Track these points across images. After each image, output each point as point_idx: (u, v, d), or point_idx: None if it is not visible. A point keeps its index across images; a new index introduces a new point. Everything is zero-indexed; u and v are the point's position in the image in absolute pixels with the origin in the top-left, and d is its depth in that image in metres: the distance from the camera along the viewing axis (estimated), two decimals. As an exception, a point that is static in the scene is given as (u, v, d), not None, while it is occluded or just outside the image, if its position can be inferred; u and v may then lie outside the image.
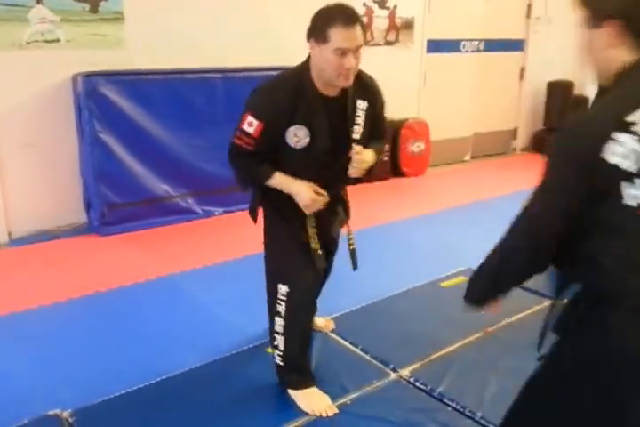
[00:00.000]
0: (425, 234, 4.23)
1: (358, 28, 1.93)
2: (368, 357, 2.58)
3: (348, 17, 1.92)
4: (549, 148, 1.24)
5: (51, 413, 2.19)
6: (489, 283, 1.42)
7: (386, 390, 2.36)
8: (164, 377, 2.43)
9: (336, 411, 2.22)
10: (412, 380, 2.42)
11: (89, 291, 3.30)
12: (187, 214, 4.54)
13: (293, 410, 2.23)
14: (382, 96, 2.25)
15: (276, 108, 2.02)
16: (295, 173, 2.13)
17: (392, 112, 5.72)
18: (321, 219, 2.24)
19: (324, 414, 2.20)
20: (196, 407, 2.25)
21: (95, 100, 3.94)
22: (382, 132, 2.33)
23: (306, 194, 2.09)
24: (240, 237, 4.21)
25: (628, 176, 1.09)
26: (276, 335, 2.28)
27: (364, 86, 2.14)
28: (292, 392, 2.30)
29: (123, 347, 2.75)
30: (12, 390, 2.40)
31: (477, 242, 3.99)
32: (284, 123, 2.04)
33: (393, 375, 2.45)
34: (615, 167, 1.08)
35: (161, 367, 2.52)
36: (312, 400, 2.25)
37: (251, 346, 2.68)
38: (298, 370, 2.31)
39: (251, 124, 2.02)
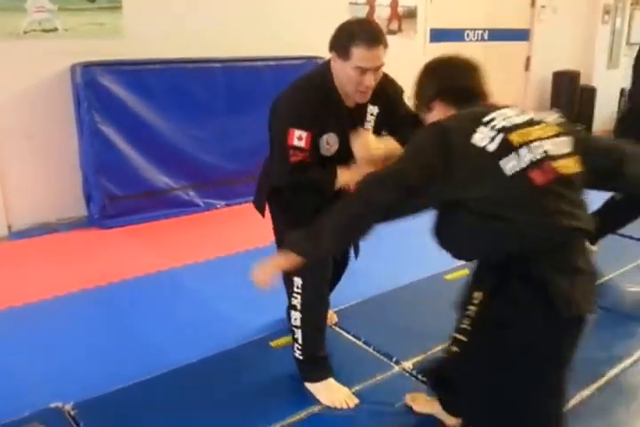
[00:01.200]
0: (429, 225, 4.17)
1: (381, 49, 1.93)
2: (371, 349, 2.55)
3: (372, 37, 1.91)
4: (416, 135, 1.59)
5: (52, 406, 2.16)
6: (341, 230, 1.59)
7: (388, 383, 2.32)
8: (166, 371, 2.39)
9: (357, 401, 2.19)
10: (414, 372, 2.37)
11: (89, 285, 3.26)
12: (188, 207, 4.49)
13: (298, 404, 2.19)
14: (397, 89, 2.21)
15: (315, 116, 1.97)
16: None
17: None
18: None
19: (345, 406, 2.17)
20: (199, 401, 2.22)
21: (94, 90, 3.89)
22: (414, 118, 2.11)
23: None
24: (242, 230, 4.16)
25: (497, 155, 1.46)
26: (294, 329, 2.24)
27: (375, 89, 2.06)
28: (310, 386, 2.26)
29: (124, 341, 2.71)
30: (13, 384, 2.36)
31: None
32: (320, 131, 2.01)
33: (396, 368, 2.41)
34: (483, 149, 1.46)
35: (163, 361, 2.48)
36: (331, 392, 2.22)
37: (253, 339, 2.64)
38: (316, 362, 2.28)
39: (300, 138, 1.96)
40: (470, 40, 6.41)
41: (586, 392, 2.28)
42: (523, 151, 1.47)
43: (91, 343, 2.69)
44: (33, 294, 3.13)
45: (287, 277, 2.21)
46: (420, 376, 2.34)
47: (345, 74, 1.95)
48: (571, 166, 1.51)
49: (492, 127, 1.49)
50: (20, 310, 2.98)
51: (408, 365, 2.42)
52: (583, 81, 7.22)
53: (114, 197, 4.15)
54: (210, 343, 2.63)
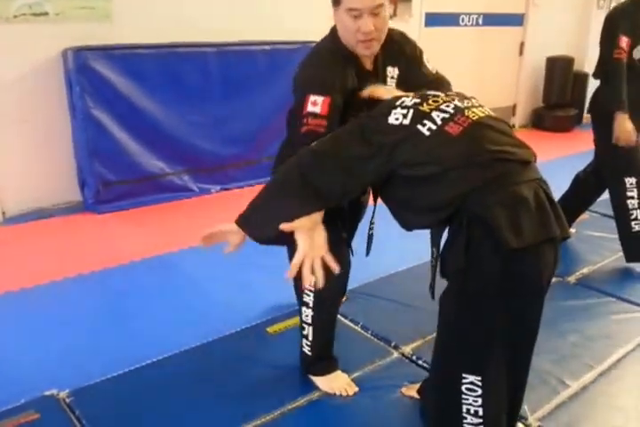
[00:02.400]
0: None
1: None
2: (369, 334, 2.55)
3: None
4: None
5: (47, 393, 2.15)
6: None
7: (388, 369, 2.33)
8: (161, 357, 2.39)
9: (356, 389, 2.19)
10: (414, 358, 2.38)
11: (85, 270, 3.25)
12: (183, 192, 4.47)
13: (296, 390, 2.19)
14: (416, 49, 2.06)
15: (332, 79, 1.82)
16: None
17: None
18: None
19: (344, 394, 2.16)
20: (195, 388, 2.21)
21: (86, 75, 3.84)
22: (435, 76, 2.08)
23: None
24: (237, 214, 4.14)
25: (414, 124, 1.56)
26: (304, 325, 2.18)
27: (393, 49, 1.94)
28: (314, 377, 2.24)
29: (119, 327, 2.71)
30: (8, 371, 2.35)
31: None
32: (343, 94, 1.83)
33: (395, 353, 2.42)
34: (400, 125, 1.56)
35: (159, 347, 2.47)
36: (331, 380, 2.21)
37: (250, 325, 2.64)
38: (325, 358, 2.25)
39: (315, 104, 1.79)
40: (465, 25, 6.37)
41: (588, 377, 2.30)
42: (434, 114, 1.58)
43: (87, 329, 2.68)
44: (28, 280, 3.12)
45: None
46: (419, 362, 2.35)
47: (342, 24, 1.81)
48: (481, 112, 1.62)
49: (403, 107, 1.60)
50: (16, 296, 2.96)
51: (407, 350, 2.42)
52: (577, 67, 7.20)
53: (108, 183, 4.12)
54: (206, 328, 2.63)
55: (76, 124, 4.01)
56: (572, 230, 3.57)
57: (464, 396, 1.64)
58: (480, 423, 1.65)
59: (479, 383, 1.61)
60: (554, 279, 3.01)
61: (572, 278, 3.12)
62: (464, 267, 1.55)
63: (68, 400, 2.12)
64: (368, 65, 1.95)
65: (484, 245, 1.51)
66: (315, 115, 1.79)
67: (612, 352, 2.48)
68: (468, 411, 1.65)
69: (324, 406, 2.13)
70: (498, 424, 1.69)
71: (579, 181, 3.48)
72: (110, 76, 3.94)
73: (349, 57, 1.89)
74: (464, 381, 1.62)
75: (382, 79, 1.96)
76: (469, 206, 1.51)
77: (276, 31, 4.72)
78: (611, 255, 3.41)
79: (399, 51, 1.99)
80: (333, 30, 1.92)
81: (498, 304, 1.56)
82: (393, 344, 2.46)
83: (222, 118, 4.52)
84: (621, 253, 3.30)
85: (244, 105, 4.56)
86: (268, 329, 2.59)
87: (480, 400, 1.63)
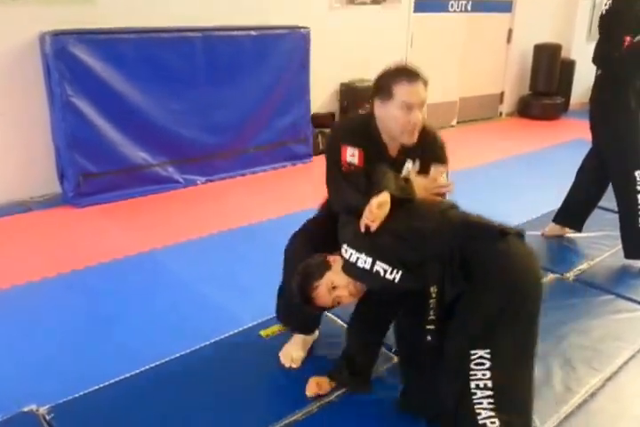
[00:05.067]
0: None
1: (421, 84, 1.97)
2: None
3: (411, 72, 1.98)
4: None
5: (26, 409, 2.00)
6: None
7: (389, 376, 2.22)
8: (147, 367, 2.25)
9: (295, 366, 2.23)
10: (415, 363, 2.28)
11: (65, 269, 3.10)
12: (167, 184, 4.32)
13: (292, 401, 2.07)
14: (443, 152, 2.14)
15: (364, 140, 2.04)
16: None
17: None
18: None
19: (287, 365, 2.23)
20: (186, 400, 2.08)
21: (65, 61, 3.65)
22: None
23: None
24: (224, 208, 4.02)
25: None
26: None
27: (423, 145, 2.05)
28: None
29: (101, 331, 2.57)
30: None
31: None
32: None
33: (395, 359, 2.31)
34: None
35: (145, 354, 2.34)
36: (288, 349, 2.29)
37: (242, 329, 2.51)
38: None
39: (353, 155, 2.03)
40: (454, 11, 6.24)
41: (595, 383, 2.22)
42: None
43: (67, 335, 2.54)
44: (5, 280, 2.96)
45: None
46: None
47: (392, 115, 1.96)
48: None
49: None
50: (-9, 297, 2.81)
51: (408, 355, 2.32)
52: (564, 54, 7.13)
53: (88, 174, 3.94)
54: (195, 332, 2.51)
55: (54, 113, 3.82)
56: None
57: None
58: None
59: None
60: (552, 276, 2.96)
61: (570, 275, 3.04)
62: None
63: (48, 417, 1.97)
64: (394, 152, 2.08)
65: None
66: (352, 164, 2.03)
67: (618, 354, 2.40)
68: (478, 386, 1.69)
69: (323, 416, 2.02)
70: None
71: (582, 177, 3.36)
72: (91, 62, 3.75)
73: (379, 141, 2.06)
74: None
75: (398, 168, 2.06)
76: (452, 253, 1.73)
77: (262, 16, 4.56)
78: (609, 250, 3.34)
79: (428, 145, 2.08)
80: (369, 117, 2.05)
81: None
82: (393, 350, 2.36)
83: (207, 106, 4.35)
84: (619, 248, 3.23)
85: (230, 92, 4.40)
86: (262, 333, 2.47)
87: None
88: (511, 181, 4.70)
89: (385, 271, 1.74)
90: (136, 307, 2.76)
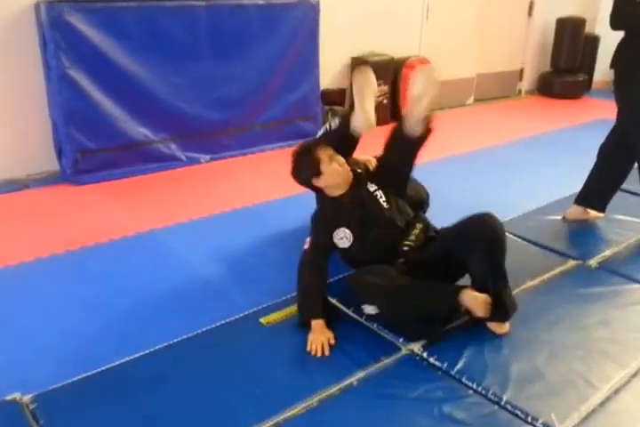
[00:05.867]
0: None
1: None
2: (374, 327, 2.28)
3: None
4: None
5: (9, 398, 1.88)
6: None
7: (395, 368, 2.07)
8: (142, 353, 2.12)
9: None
10: (424, 355, 2.12)
11: (60, 249, 2.96)
12: (169, 161, 4.17)
13: (293, 394, 1.92)
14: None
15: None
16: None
17: (392, 50, 5.33)
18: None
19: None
20: (178, 390, 1.95)
21: (61, 31, 3.47)
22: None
23: None
24: (229, 187, 3.86)
25: None
26: None
27: (358, 173, 2.49)
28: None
29: (97, 315, 2.43)
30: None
31: (475, 195, 3.72)
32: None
33: (403, 350, 2.16)
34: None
35: (140, 339, 2.21)
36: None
37: (241, 316, 2.36)
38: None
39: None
40: (473, -19, 5.97)
41: (620, 379, 2.05)
42: None
43: (59, 320, 2.40)
44: (-4, 260, 2.83)
45: None
46: (431, 359, 2.09)
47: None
48: None
49: None
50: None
51: (417, 347, 2.16)
52: (588, 29, 6.83)
53: (86, 151, 3.79)
54: (193, 317, 2.37)
55: (50, 87, 3.66)
56: (601, 215, 3.28)
57: None
58: None
59: None
60: (573, 263, 2.78)
61: (593, 262, 2.85)
62: None
63: (31, 406, 1.85)
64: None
65: None
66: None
67: (644, 348, 2.22)
68: None
69: (324, 411, 1.87)
70: None
71: (605, 156, 3.14)
72: (88, 31, 3.57)
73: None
74: None
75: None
76: None
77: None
78: (634, 236, 3.13)
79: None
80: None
81: None
82: (401, 340, 2.20)
83: (212, 80, 4.17)
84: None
85: (235, 66, 4.21)
86: (262, 320, 2.32)
87: None
88: (529, 162, 4.47)
89: None
90: (132, 290, 2.61)
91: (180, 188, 3.85)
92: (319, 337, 2.16)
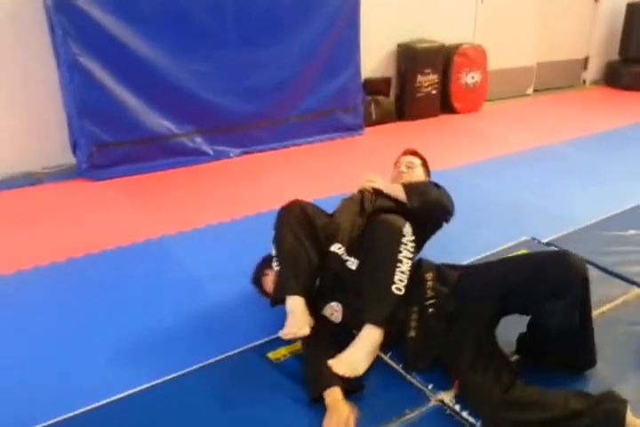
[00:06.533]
0: (476, 188, 3.48)
1: None
2: (398, 368, 1.91)
3: None
4: None
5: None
6: None
7: (422, 422, 1.71)
8: (140, 388, 1.84)
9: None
10: (456, 408, 1.75)
11: (61, 257, 2.71)
12: (194, 156, 3.88)
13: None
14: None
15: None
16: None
17: (443, 36, 4.89)
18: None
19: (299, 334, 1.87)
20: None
21: (68, 14, 3.20)
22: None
23: None
24: (260, 184, 3.52)
25: None
26: None
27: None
28: None
29: (87, 340, 2.13)
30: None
31: (540, 202, 3.28)
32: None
33: (432, 401, 1.79)
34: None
35: (138, 368, 1.95)
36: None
37: (246, 348, 2.03)
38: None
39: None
40: (536, -40, 5.48)
41: None
42: None
43: (49, 340, 2.13)
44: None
45: None
46: (464, 414, 1.72)
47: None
48: None
49: None
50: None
51: (447, 397, 1.79)
52: (663, 14, 6.24)
53: (102, 144, 3.53)
54: (197, 343, 2.08)
55: (61, 76, 3.41)
56: None
57: None
58: None
59: None
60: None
61: None
62: None
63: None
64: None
65: None
66: None
67: None
68: None
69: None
70: None
71: None
72: (98, 15, 3.29)
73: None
74: None
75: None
76: None
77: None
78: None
79: None
80: None
81: None
82: (430, 387, 1.83)
83: (239, 68, 3.85)
84: None
85: (267, 52, 3.87)
86: (270, 355, 1.99)
87: None
88: (593, 164, 3.94)
89: None
90: (132, 308, 2.32)
91: (204, 185, 3.55)
92: (334, 417, 1.67)
